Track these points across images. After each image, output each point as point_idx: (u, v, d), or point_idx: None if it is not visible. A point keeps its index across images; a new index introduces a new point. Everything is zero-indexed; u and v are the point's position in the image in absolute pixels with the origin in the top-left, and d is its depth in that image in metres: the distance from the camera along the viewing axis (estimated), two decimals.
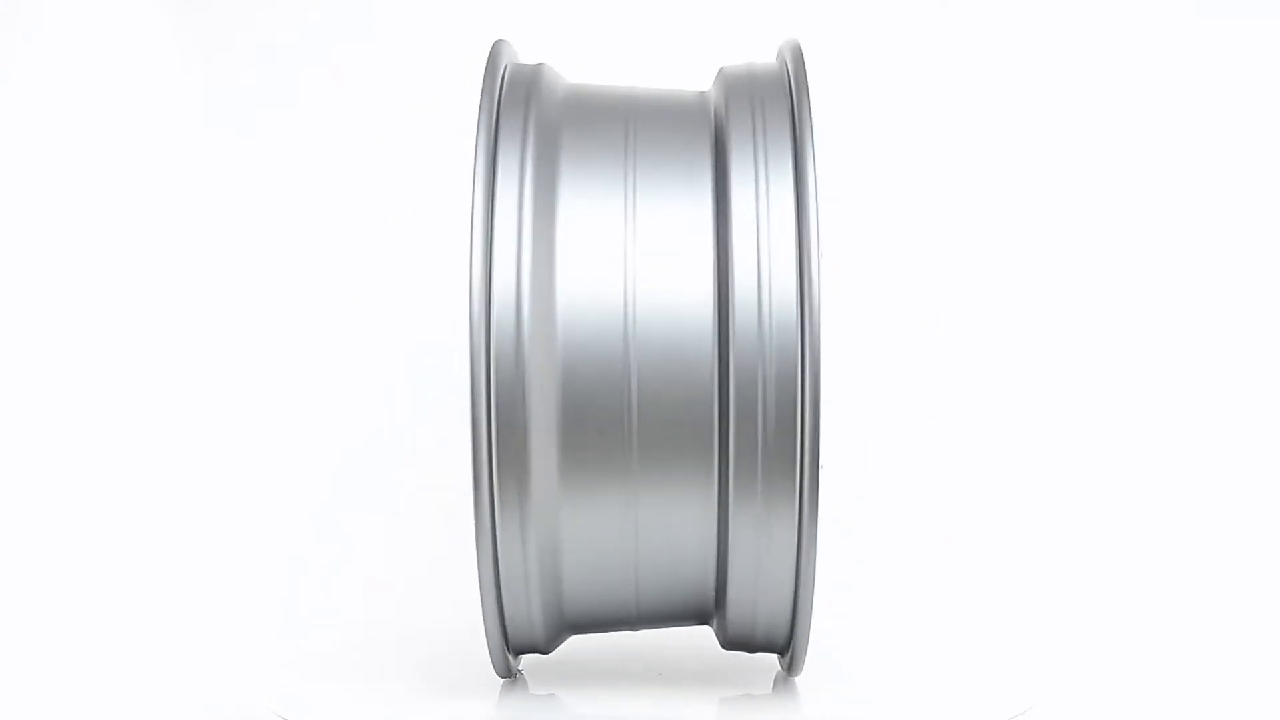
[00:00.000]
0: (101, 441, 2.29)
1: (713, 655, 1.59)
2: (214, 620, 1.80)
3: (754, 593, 1.38)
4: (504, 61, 1.44)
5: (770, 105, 1.40)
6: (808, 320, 1.30)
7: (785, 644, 1.45)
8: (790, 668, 1.46)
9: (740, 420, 1.31)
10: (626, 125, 1.40)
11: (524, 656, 1.54)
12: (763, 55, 1.60)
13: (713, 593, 1.41)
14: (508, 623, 1.40)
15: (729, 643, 1.47)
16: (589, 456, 1.32)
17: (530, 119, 1.39)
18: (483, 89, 1.40)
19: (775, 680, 1.54)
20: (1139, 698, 1.56)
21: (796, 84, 1.40)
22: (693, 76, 1.63)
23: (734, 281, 1.31)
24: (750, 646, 1.47)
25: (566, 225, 1.34)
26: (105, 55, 2.41)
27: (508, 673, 1.45)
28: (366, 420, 2.19)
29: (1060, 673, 1.62)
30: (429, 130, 2.12)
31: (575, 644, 1.56)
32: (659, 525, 1.36)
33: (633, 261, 1.33)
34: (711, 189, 1.36)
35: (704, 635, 1.57)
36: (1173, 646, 1.73)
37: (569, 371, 1.31)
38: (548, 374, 1.31)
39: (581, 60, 1.62)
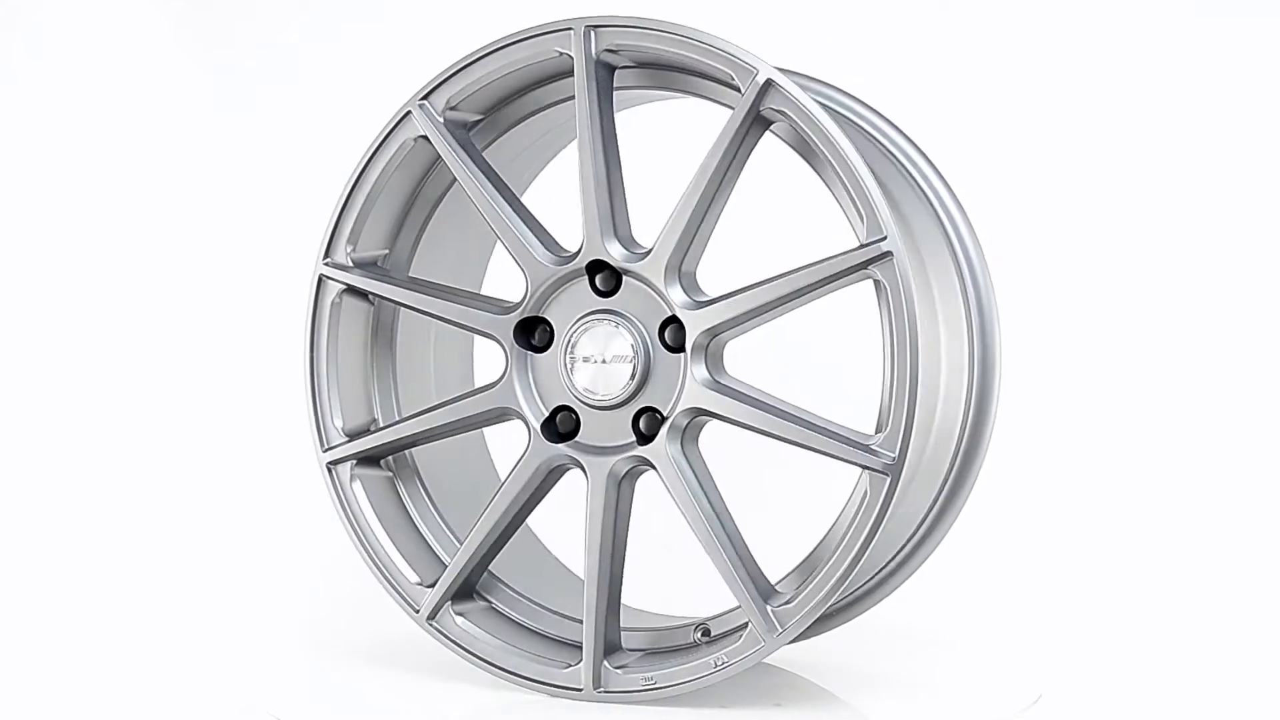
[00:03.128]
0: (102, 438, 2.29)
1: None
2: (211, 621, 1.80)
3: None
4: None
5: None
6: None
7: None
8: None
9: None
10: None
11: None
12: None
13: None
14: None
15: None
16: None
17: None
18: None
19: (777, 677, 1.55)
20: (1144, 692, 1.56)
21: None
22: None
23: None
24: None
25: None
26: (105, 49, 2.42)
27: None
28: None
29: (1067, 666, 1.63)
30: None
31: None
32: None
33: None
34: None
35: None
36: (1173, 644, 1.74)
37: None
38: None
39: None
